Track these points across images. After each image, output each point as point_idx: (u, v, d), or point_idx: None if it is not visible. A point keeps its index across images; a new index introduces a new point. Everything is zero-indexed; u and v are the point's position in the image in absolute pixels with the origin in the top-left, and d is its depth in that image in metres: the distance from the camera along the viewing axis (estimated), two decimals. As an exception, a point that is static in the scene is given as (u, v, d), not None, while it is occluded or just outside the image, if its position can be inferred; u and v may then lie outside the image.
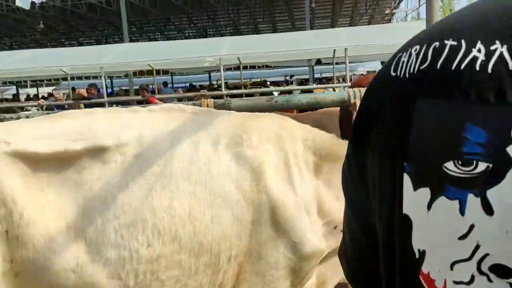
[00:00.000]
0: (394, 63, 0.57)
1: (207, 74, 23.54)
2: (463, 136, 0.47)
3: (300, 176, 1.56)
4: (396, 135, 0.53)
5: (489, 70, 0.47)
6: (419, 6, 24.63)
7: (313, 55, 14.02)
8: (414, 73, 0.53)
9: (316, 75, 22.92)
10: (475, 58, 0.48)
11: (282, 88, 13.33)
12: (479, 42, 0.48)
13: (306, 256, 1.56)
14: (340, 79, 13.87)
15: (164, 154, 1.43)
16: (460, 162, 0.47)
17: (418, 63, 0.53)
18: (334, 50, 11.50)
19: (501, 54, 0.46)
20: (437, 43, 0.52)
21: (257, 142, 1.55)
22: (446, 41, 0.51)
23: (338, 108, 3.28)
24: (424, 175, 0.50)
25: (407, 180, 0.52)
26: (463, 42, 0.50)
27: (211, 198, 1.40)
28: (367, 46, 10.94)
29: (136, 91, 11.45)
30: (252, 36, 19.91)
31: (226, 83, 23.06)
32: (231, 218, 1.42)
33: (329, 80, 18.27)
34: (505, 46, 0.46)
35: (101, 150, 1.39)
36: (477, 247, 0.46)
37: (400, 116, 0.53)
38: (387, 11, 28.45)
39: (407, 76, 0.54)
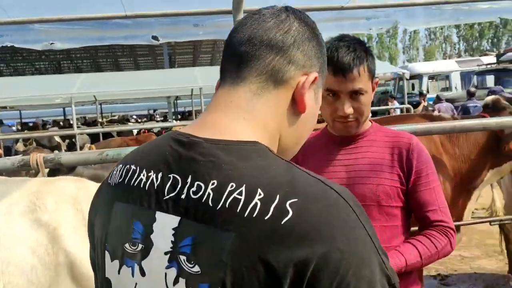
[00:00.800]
0: (110, 174, 0.83)
1: (62, 109, 22.23)
2: (132, 227, 0.74)
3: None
4: (103, 225, 0.80)
5: (143, 186, 0.74)
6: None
7: (172, 92, 14.31)
8: (116, 183, 0.80)
9: (180, 109, 23.25)
10: (148, 177, 0.75)
11: (140, 126, 13.24)
12: (144, 168, 0.77)
13: None
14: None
15: None
16: (131, 243, 0.74)
17: (117, 177, 0.80)
18: (192, 89, 11.95)
19: (149, 177, 0.75)
20: (126, 166, 0.80)
21: (53, 206, 1.65)
22: (129, 165, 0.80)
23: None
24: (115, 252, 0.76)
25: (107, 255, 0.78)
26: (138, 167, 0.78)
27: (4, 267, 1.48)
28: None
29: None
30: (109, 73, 19.49)
31: (84, 117, 21.94)
32: (26, 283, 1.52)
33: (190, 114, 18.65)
34: (151, 172, 0.75)
35: None
36: None
37: (105, 213, 0.80)
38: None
39: (112, 185, 0.81)
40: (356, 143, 1.60)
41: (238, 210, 0.65)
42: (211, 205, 0.67)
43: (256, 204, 0.65)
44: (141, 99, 19.97)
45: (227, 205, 0.66)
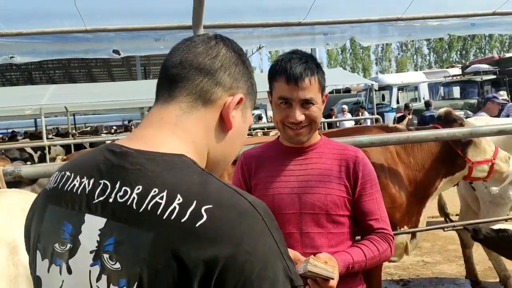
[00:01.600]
0: (48, 181, 0.90)
1: (33, 120, 21.85)
2: (62, 228, 0.81)
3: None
4: (36, 227, 0.88)
5: (76, 191, 0.82)
6: (248, 56, 26.99)
7: (145, 103, 14.23)
8: (51, 188, 0.88)
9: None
10: (81, 183, 0.82)
11: (112, 137, 13.11)
12: (78, 174, 0.84)
13: None
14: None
15: None
16: (60, 243, 0.81)
17: (52, 182, 0.88)
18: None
19: (82, 182, 0.82)
20: (62, 172, 0.88)
21: (5, 220, 1.67)
22: (65, 172, 0.88)
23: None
24: (45, 251, 0.84)
25: (39, 254, 0.86)
26: (72, 173, 0.86)
27: None
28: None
29: None
30: (81, 84, 19.28)
31: (57, 128, 21.55)
32: None
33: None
34: (84, 178, 0.82)
35: None
36: None
37: (39, 215, 0.87)
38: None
39: (47, 189, 0.89)
40: (306, 154, 1.69)
41: (158, 213, 0.73)
42: (134, 208, 0.75)
43: (175, 208, 0.73)
44: (115, 109, 19.83)
45: (149, 208, 0.74)
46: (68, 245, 0.80)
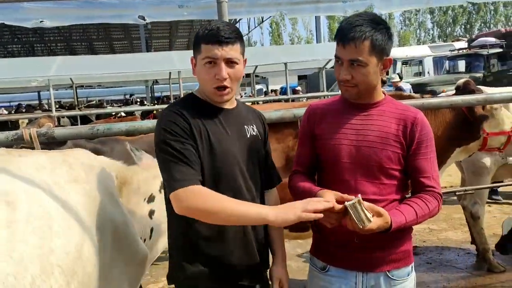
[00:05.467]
0: None
1: (36, 93, 21.81)
2: None
3: (116, 199, 1.86)
4: None
5: None
6: (249, 31, 26.81)
7: (149, 76, 14.25)
8: None
9: (157, 94, 23.10)
10: None
11: (119, 109, 13.14)
12: None
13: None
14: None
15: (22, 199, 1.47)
16: None
17: None
18: (170, 73, 11.95)
19: None
20: None
21: (85, 176, 1.74)
22: None
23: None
24: None
25: None
26: None
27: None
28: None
29: None
30: (86, 56, 19.18)
31: (59, 101, 21.57)
32: (95, 247, 1.62)
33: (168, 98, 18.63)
34: None
35: None
36: None
37: None
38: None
39: None
40: (368, 111, 1.79)
41: None
42: None
43: None
44: (118, 83, 19.79)
45: None
46: None
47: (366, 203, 1.56)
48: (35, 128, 2.54)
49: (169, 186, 1.58)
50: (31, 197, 1.49)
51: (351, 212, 1.53)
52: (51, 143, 2.65)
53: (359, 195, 1.55)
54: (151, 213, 2.12)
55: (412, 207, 1.69)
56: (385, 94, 1.84)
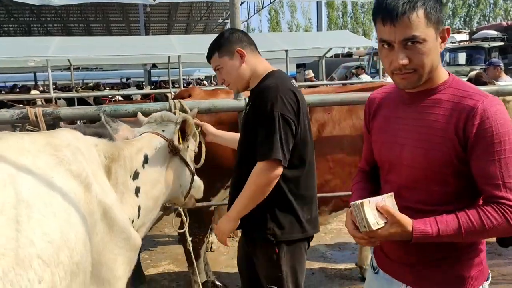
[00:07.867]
0: None
1: (32, 74, 21.57)
2: None
3: (105, 180, 1.76)
4: None
5: None
6: (248, 18, 26.57)
7: (148, 60, 14.09)
8: None
9: (153, 78, 22.89)
10: None
11: (121, 92, 13.00)
12: None
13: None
14: (176, 84, 14.26)
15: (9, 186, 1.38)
16: None
17: None
18: (169, 57, 11.81)
19: None
20: None
21: (72, 157, 1.62)
22: None
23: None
24: None
25: None
26: None
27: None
28: (200, 54, 11.49)
29: None
30: (84, 37, 18.94)
31: (55, 83, 21.37)
32: (84, 233, 1.53)
33: (165, 82, 18.50)
34: None
35: None
36: None
37: None
38: (220, 20, 29.87)
39: None
40: (422, 101, 1.48)
41: None
42: None
43: None
44: (115, 65, 19.57)
45: None
46: None
47: (380, 205, 1.37)
48: (40, 108, 2.48)
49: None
50: (5, 186, 1.37)
51: (354, 213, 1.39)
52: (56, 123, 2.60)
53: (366, 199, 1.37)
54: (137, 190, 1.98)
55: (457, 218, 1.35)
56: (449, 74, 1.50)
